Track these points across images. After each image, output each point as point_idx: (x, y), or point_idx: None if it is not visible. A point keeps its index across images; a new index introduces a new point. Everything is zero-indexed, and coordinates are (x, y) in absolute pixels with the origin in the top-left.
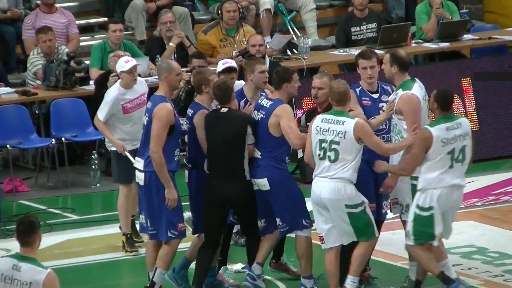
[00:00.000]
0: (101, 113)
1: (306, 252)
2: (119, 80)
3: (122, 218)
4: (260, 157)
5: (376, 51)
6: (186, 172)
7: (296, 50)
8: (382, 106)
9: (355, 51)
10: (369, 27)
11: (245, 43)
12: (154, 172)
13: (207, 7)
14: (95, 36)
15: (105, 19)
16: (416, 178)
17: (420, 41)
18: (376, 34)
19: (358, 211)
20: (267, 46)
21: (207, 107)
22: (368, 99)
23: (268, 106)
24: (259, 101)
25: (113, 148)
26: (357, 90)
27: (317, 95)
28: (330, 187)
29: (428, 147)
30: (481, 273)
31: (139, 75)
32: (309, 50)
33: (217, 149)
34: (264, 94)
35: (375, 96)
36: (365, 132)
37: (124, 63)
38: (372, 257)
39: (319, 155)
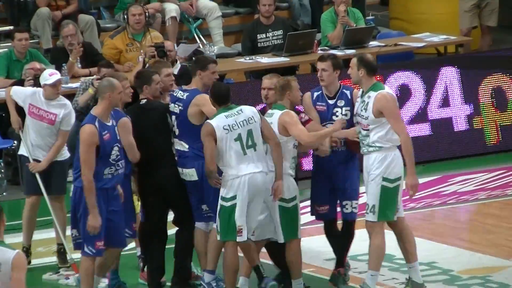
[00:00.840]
0: (16, 88)
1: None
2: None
3: (23, 230)
4: (187, 149)
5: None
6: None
7: None
8: (336, 112)
9: (261, 59)
10: (275, 34)
11: None
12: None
13: (113, 15)
14: (1, 45)
15: (11, 27)
16: (388, 180)
17: (326, 48)
18: (282, 41)
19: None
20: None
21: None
22: (323, 104)
23: (185, 98)
24: (175, 94)
25: (21, 153)
26: (315, 94)
27: (267, 95)
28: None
29: None
30: (388, 280)
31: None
32: (215, 57)
33: (145, 140)
34: (177, 88)
35: (331, 102)
36: (287, 122)
37: (48, 76)
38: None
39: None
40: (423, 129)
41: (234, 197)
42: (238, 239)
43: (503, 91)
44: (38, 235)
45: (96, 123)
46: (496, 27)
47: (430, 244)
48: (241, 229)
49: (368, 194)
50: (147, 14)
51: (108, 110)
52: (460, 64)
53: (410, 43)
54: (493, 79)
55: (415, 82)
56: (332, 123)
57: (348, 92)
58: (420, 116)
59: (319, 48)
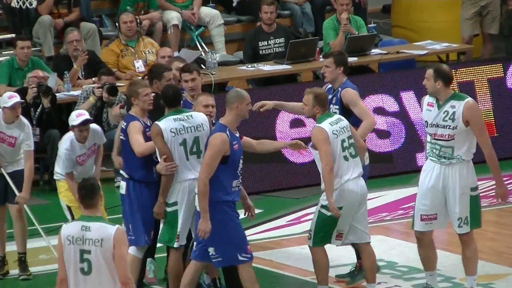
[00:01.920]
0: None
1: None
2: None
3: None
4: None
5: None
6: (123, 183)
7: (204, 66)
8: (330, 108)
9: (263, 66)
10: (276, 42)
11: (146, 53)
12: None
13: (114, 23)
14: (3, 53)
15: (13, 35)
16: (473, 189)
17: None
18: (284, 49)
19: None
20: None
21: (140, 118)
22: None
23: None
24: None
25: None
26: (329, 86)
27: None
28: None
29: None
30: (391, 287)
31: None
32: (217, 65)
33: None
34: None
35: (329, 96)
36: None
37: (7, 98)
38: (282, 272)
39: (345, 156)
40: None
41: (175, 203)
42: (175, 244)
43: None
44: (39, 243)
45: (227, 132)
46: (497, 35)
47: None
48: (179, 235)
49: (458, 206)
50: (138, 21)
51: (236, 121)
52: None
53: (412, 50)
54: None
55: None
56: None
57: (340, 91)
58: None
59: (321, 56)
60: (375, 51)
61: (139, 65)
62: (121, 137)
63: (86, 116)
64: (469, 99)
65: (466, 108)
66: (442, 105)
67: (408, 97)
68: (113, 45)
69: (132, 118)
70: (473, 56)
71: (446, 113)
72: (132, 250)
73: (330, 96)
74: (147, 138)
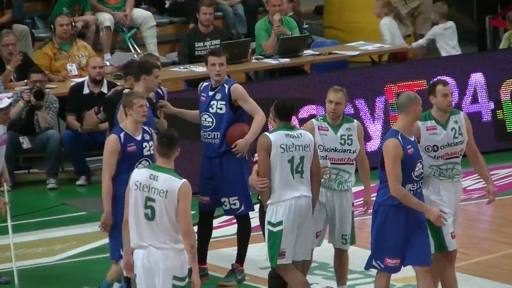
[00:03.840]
0: None
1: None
2: None
3: None
4: None
5: None
6: None
7: None
8: (213, 104)
9: (195, 68)
10: (213, 43)
11: (80, 56)
12: None
13: (47, 25)
14: None
15: None
16: None
17: (261, 57)
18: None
19: None
20: (107, 64)
21: (128, 131)
22: (205, 95)
23: None
24: None
25: None
26: (205, 84)
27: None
28: None
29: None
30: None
31: None
32: None
33: None
34: None
35: (211, 93)
36: None
37: None
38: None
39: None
40: None
41: (280, 223)
42: (281, 261)
43: None
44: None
45: (399, 137)
46: None
47: (363, 252)
48: (284, 252)
49: (455, 222)
50: (73, 24)
51: (412, 124)
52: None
53: (344, 51)
54: None
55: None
56: (208, 114)
57: (227, 87)
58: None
59: (253, 57)
60: (307, 52)
61: (72, 69)
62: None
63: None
64: (460, 111)
65: (465, 119)
66: (446, 124)
67: None
68: (46, 48)
69: (116, 131)
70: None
71: (454, 130)
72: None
73: (211, 93)
74: (127, 153)
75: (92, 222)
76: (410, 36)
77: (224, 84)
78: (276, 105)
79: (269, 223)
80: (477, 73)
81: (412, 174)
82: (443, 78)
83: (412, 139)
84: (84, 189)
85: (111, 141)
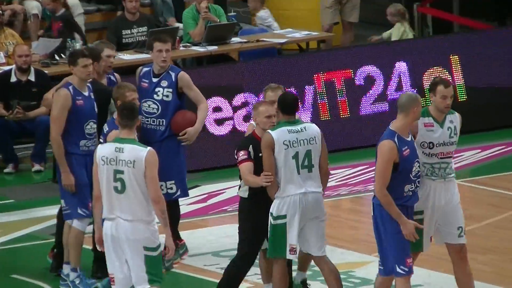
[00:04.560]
0: None
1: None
2: None
3: None
4: None
5: None
6: None
7: (64, 55)
8: (158, 91)
9: (123, 55)
10: (140, 31)
11: (7, 44)
12: None
13: None
14: None
15: None
16: None
17: (188, 44)
18: (146, 38)
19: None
20: (34, 52)
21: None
22: (147, 81)
23: None
24: None
25: None
26: (144, 69)
27: None
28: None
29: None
30: (251, 276)
31: None
32: None
33: None
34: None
35: (155, 80)
36: None
37: None
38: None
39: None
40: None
41: (283, 216)
42: (290, 256)
43: None
44: None
45: (396, 139)
46: (358, 23)
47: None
48: (294, 247)
49: (458, 217)
50: (0, 12)
51: (410, 124)
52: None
53: (272, 39)
54: None
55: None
56: (153, 101)
57: (173, 74)
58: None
59: (181, 45)
60: (235, 39)
61: (0, 57)
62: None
63: None
64: (454, 111)
65: (460, 119)
66: (443, 122)
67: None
68: None
69: (114, 126)
70: (333, 44)
71: (449, 129)
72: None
73: (155, 80)
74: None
75: (19, 210)
76: (338, 23)
77: (170, 71)
78: (279, 99)
79: (271, 215)
80: (402, 61)
81: (410, 175)
82: (369, 67)
83: (409, 139)
84: (11, 177)
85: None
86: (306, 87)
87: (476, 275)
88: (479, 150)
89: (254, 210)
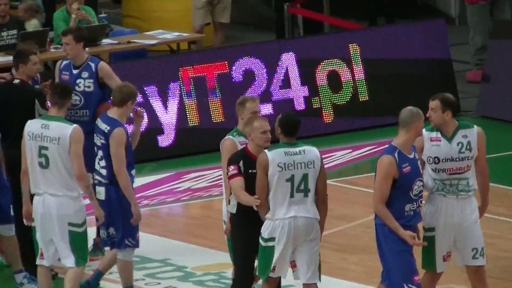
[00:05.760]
0: None
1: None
2: None
3: None
4: None
5: None
6: (102, 189)
7: None
8: (79, 82)
9: None
10: (9, 34)
11: None
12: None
13: None
14: None
15: None
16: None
17: (59, 46)
18: (17, 40)
19: None
20: None
21: (123, 123)
22: (67, 73)
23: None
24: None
25: None
26: (64, 62)
27: None
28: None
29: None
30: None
31: None
32: None
33: (9, 118)
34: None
35: (75, 71)
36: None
37: None
38: None
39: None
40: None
41: (272, 239)
42: (271, 275)
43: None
44: None
45: (396, 155)
46: (229, 24)
47: (164, 241)
48: (275, 267)
49: (475, 238)
50: None
51: (412, 140)
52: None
53: (142, 40)
54: None
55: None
56: (75, 92)
57: (93, 65)
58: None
59: (52, 47)
60: (106, 41)
61: None
62: (102, 140)
63: None
64: (476, 126)
65: (479, 135)
66: (452, 137)
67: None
68: None
69: (117, 123)
70: (204, 45)
71: (460, 144)
72: (123, 255)
73: (76, 72)
74: (129, 146)
75: None
76: (209, 24)
77: (89, 62)
78: (281, 120)
79: (261, 237)
80: (273, 62)
81: (410, 193)
82: (247, 60)
83: (411, 156)
84: None
85: (121, 133)
86: (171, 83)
87: (347, 275)
88: (350, 150)
89: (243, 226)
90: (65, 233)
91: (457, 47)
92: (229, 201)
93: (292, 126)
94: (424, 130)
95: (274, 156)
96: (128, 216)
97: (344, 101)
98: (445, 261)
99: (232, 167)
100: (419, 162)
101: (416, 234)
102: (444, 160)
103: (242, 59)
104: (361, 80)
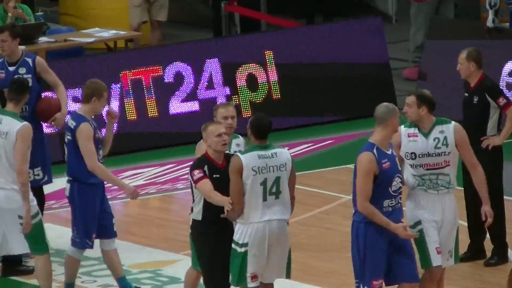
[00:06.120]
0: None
1: None
2: None
3: None
4: None
5: None
6: (68, 185)
7: None
8: None
9: None
10: None
11: None
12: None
13: None
14: None
15: None
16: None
17: None
18: None
19: None
20: None
21: (89, 119)
22: (3, 71)
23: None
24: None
25: None
26: None
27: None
28: None
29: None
30: (59, 275)
31: None
32: None
33: None
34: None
35: (12, 68)
36: None
37: None
38: None
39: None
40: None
41: (246, 244)
42: (251, 285)
43: None
44: None
45: (375, 151)
46: (166, 22)
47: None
48: (255, 274)
49: (449, 239)
50: None
51: (389, 136)
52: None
53: (79, 38)
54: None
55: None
56: None
57: (30, 60)
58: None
59: None
60: (43, 39)
61: None
62: (68, 136)
63: None
64: (454, 122)
65: (456, 131)
66: (429, 133)
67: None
68: None
69: (83, 119)
70: (141, 43)
71: (437, 140)
72: (72, 251)
73: (12, 69)
74: (97, 140)
75: None
76: (146, 22)
77: (26, 58)
78: (252, 123)
79: (234, 242)
80: (213, 59)
81: (390, 189)
82: (179, 64)
83: (389, 152)
84: None
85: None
86: (113, 85)
87: None
88: (287, 148)
89: (211, 234)
90: (17, 226)
91: (395, 45)
92: (191, 209)
93: (263, 129)
94: (402, 126)
95: (248, 160)
96: (86, 216)
97: (260, 99)
98: (439, 253)
99: (196, 171)
100: (396, 158)
101: (408, 224)
102: (420, 156)
103: (173, 64)
104: (274, 81)
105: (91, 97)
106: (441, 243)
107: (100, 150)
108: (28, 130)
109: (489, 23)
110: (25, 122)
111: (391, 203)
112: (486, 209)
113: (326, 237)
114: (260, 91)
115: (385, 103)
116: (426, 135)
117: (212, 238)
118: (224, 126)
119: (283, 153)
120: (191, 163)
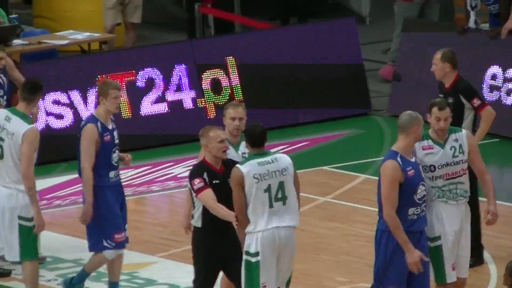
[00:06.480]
0: None
1: None
2: None
3: None
4: None
5: None
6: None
7: None
8: None
9: None
10: None
11: None
12: None
13: None
14: None
15: None
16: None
17: None
18: None
19: None
20: None
21: (101, 120)
22: None
23: None
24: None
25: None
26: None
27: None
28: None
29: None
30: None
31: None
32: None
33: None
34: None
35: None
36: None
37: None
38: None
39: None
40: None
41: (257, 254)
42: None
43: None
44: None
45: (399, 159)
46: (140, 24)
47: (76, 241)
48: (265, 286)
49: (467, 247)
50: None
51: (412, 145)
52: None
53: (53, 40)
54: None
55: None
56: None
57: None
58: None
59: None
60: (17, 42)
61: None
62: (78, 135)
63: None
64: (464, 129)
65: (468, 137)
66: (445, 143)
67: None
68: None
69: (91, 120)
70: (116, 45)
71: (453, 149)
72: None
73: None
74: (104, 143)
75: None
76: (121, 24)
77: None
78: (246, 133)
79: (247, 253)
80: (186, 62)
81: (414, 197)
82: (152, 68)
83: (413, 160)
84: None
85: (91, 130)
86: (89, 89)
87: None
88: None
89: (208, 241)
90: (15, 225)
91: (368, 46)
92: (192, 216)
93: (257, 138)
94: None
95: (248, 168)
96: (101, 217)
97: (223, 101)
98: (453, 270)
99: (197, 180)
100: (420, 166)
101: (424, 258)
102: (440, 167)
103: (144, 70)
104: (236, 84)
105: (99, 97)
106: (461, 253)
107: (114, 154)
108: (34, 134)
109: (471, 24)
110: (33, 125)
111: (416, 211)
112: (491, 208)
113: (302, 238)
114: (225, 93)
115: (408, 111)
116: (442, 145)
117: (212, 245)
118: (232, 127)
119: (283, 158)
120: (167, 164)
